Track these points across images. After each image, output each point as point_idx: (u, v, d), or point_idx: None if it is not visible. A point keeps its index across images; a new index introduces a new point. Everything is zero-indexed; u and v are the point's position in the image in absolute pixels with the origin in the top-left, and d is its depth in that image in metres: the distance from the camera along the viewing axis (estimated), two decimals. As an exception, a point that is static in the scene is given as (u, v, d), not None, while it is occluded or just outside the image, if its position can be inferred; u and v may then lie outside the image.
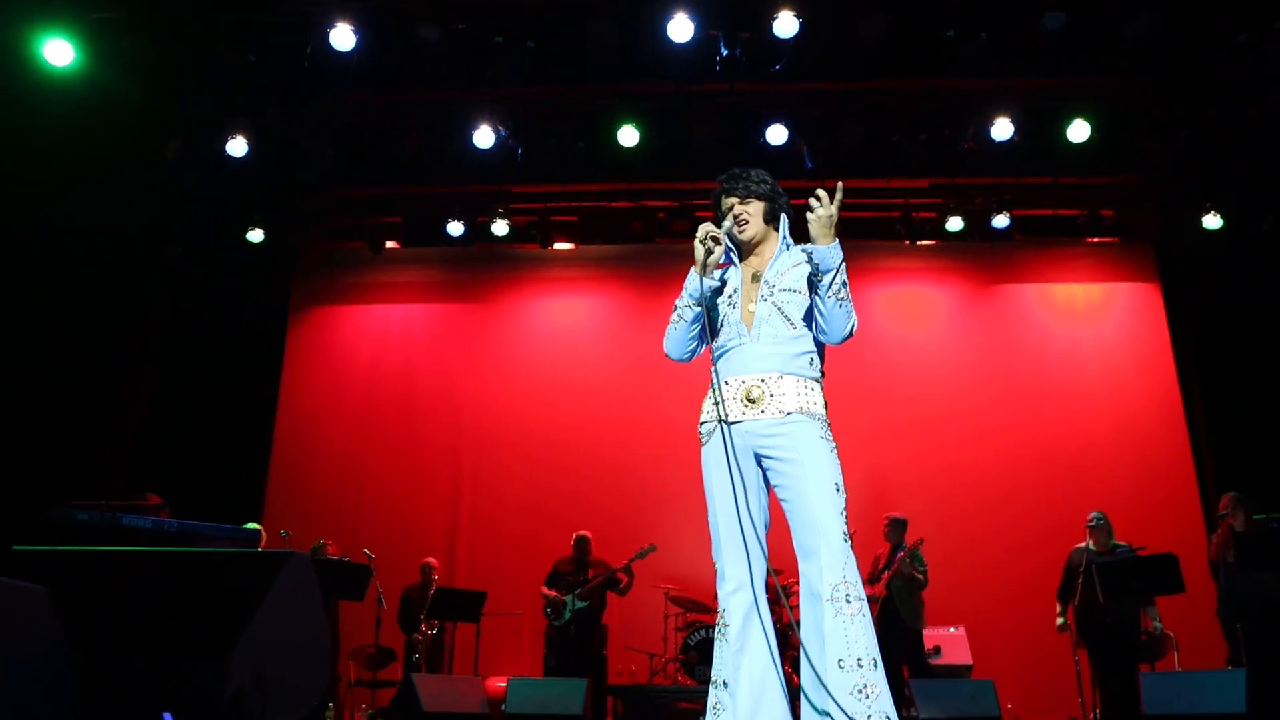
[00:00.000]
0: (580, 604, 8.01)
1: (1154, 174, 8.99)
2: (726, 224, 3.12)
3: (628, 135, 8.26)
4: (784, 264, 3.12)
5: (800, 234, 3.15)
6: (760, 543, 3.05)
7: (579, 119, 8.50)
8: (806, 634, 2.92)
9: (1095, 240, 9.97)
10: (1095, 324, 10.17)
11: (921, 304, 10.51)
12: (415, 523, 9.71)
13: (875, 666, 2.78)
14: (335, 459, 10.05)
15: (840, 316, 3.01)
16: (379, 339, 10.52)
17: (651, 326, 11.00)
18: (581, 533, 8.36)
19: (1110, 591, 6.80)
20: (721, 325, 3.10)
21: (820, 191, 3.00)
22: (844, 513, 2.91)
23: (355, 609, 7.83)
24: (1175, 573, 6.57)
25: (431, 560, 8.50)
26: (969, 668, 8.00)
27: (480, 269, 10.52)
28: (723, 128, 8.37)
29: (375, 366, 10.35)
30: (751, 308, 3.08)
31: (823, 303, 3.01)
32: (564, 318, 10.65)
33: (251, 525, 7.18)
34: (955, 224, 9.25)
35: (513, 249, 10.16)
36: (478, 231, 9.47)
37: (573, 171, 8.92)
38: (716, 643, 3.05)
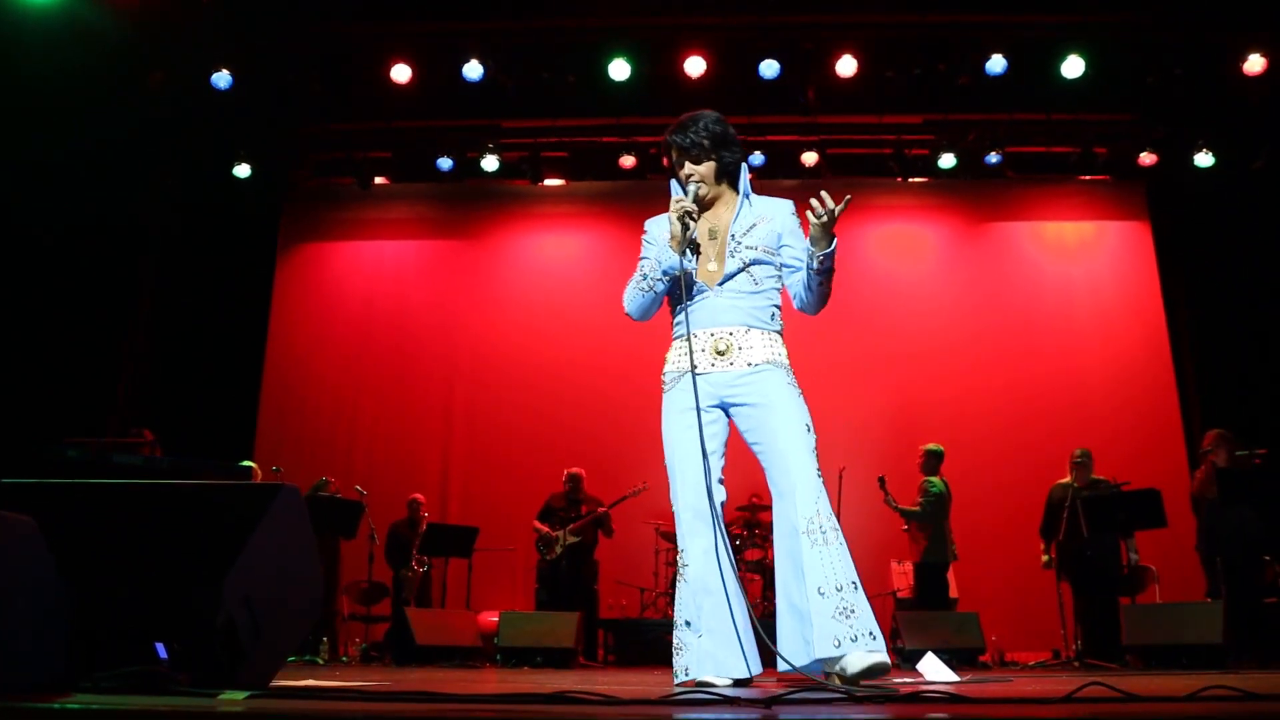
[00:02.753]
0: (572, 539, 8.09)
1: (1147, 111, 8.92)
2: (691, 190, 3.11)
3: (619, 69, 8.14)
4: (746, 220, 3.16)
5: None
6: (720, 486, 3.17)
7: (569, 52, 8.36)
8: (782, 567, 3.04)
9: (1087, 178, 9.92)
10: (1086, 262, 10.18)
11: (913, 241, 10.50)
12: (408, 459, 9.77)
13: (856, 589, 2.91)
14: (327, 396, 10.07)
15: (823, 296, 3.17)
16: (370, 275, 10.46)
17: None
18: (574, 469, 8.42)
19: (1095, 525, 6.91)
20: (689, 282, 3.13)
21: (823, 193, 3.01)
22: (815, 451, 3.04)
23: (348, 545, 7.91)
24: (1158, 508, 6.67)
25: (419, 496, 8.56)
26: (954, 601, 8.14)
27: (471, 205, 10.44)
28: (714, 61, 8.25)
29: (366, 303, 10.31)
30: (712, 266, 3.14)
31: (808, 289, 3.15)
32: (556, 254, 10.60)
33: (246, 463, 7.23)
34: (948, 161, 9.19)
35: (503, 185, 10.08)
36: (468, 167, 9.37)
37: (563, 106, 8.82)
38: (678, 584, 3.13)
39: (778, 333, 3.19)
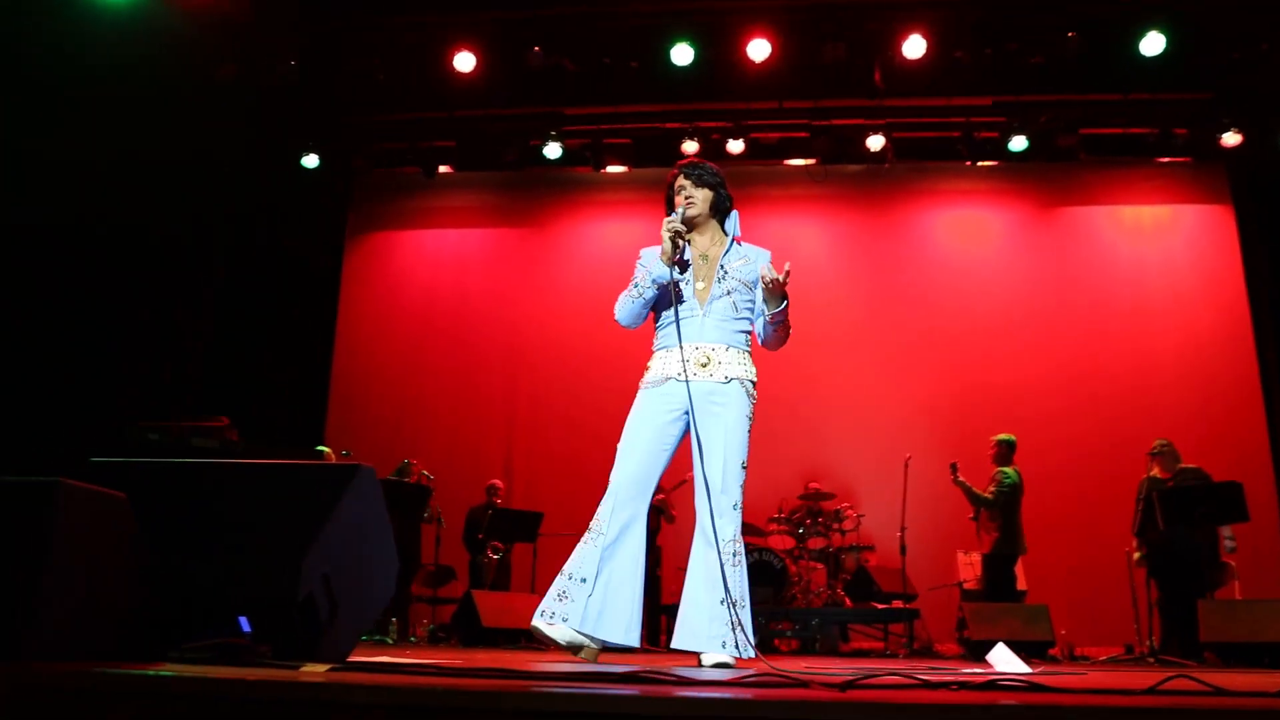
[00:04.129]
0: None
1: (1230, 90, 8.60)
2: (680, 209, 3.53)
3: (681, 54, 8.10)
4: (734, 257, 3.58)
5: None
6: (658, 479, 3.61)
7: (631, 38, 8.34)
8: (695, 569, 3.40)
9: (1166, 160, 9.61)
10: (1164, 247, 9.88)
11: (981, 226, 10.30)
12: (472, 445, 9.89)
13: (744, 606, 3.32)
14: (393, 382, 10.23)
15: (780, 340, 3.56)
16: (434, 264, 10.59)
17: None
18: (635, 456, 8.42)
19: (1171, 518, 6.71)
20: (679, 295, 3.51)
21: (768, 266, 3.45)
22: (741, 484, 3.43)
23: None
24: (1239, 501, 6.46)
25: (497, 482, 8.65)
26: (1023, 593, 7.99)
27: (533, 193, 10.50)
28: (778, 45, 8.17)
29: (431, 291, 10.45)
30: (700, 285, 3.53)
31: (764, 333, 3.58)
32: (617, 241, 10.59)
33: (321, 448, 7.39)
34: (1019, 144, 8.98)
35: (565, 172, 10.11)
36: (530, 155, 9.42)
37: (625, 93, 8.81)
38: (581, 544, 3.49)
39: (749, 353, 3.57)
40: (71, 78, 7.62)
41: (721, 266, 3.53)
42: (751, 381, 3.53)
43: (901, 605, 8.06)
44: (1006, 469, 7.55)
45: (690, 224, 3.56)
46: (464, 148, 9.54)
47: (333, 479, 2.28)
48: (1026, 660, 3.84)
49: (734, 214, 3.67)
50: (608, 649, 3.48)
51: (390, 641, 6.93)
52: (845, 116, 9.16)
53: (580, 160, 9.65)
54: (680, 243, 3.46)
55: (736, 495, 3.41)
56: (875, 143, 9.12)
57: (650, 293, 3.53)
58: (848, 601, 8.14)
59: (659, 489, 8.17)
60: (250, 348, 9.58)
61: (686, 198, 3.56)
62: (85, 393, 8.03)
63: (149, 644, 2.10)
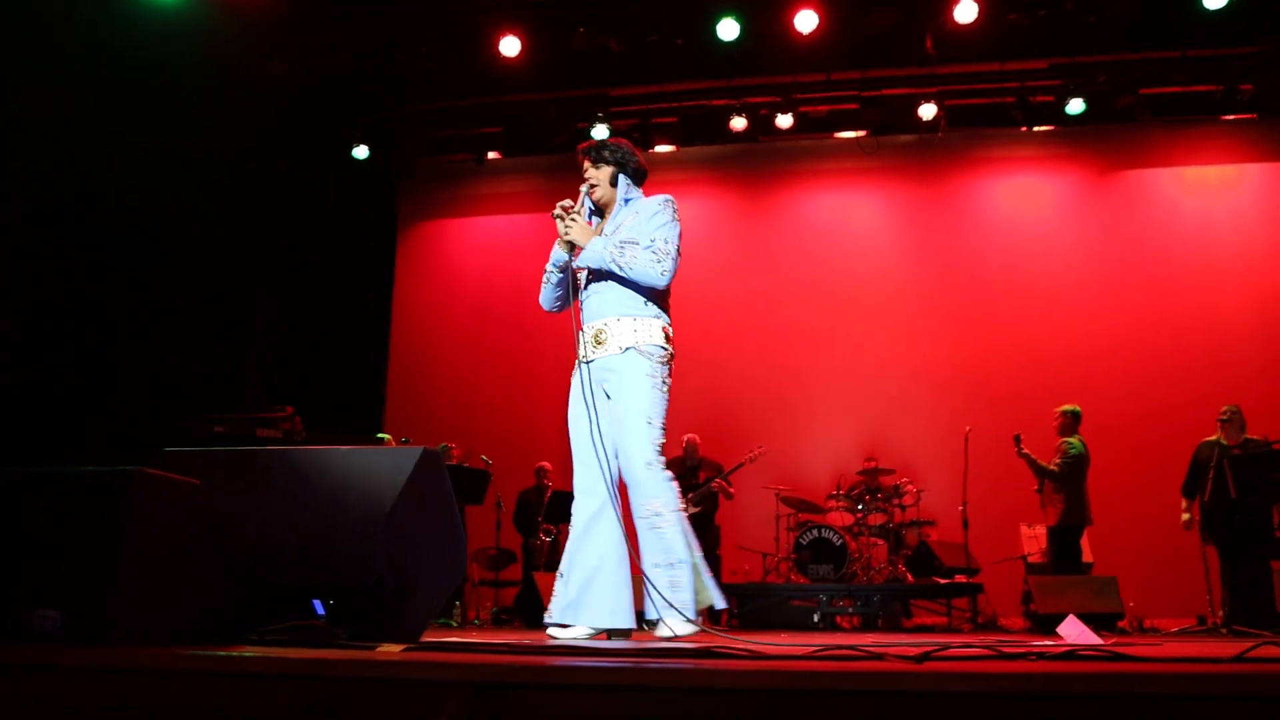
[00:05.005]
0: (693, 509, 8.10)
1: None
2: (583, 189, 3.59)
3: (727, 29, 8.01)
4: (620, 219, 3.56)
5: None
6: (612, 458, 3.49)
7: (677, 15, 8.27)
8: (640, 539, 3.41)
9: (1231, 118, 9.30)
10: (1230, 206, 9.58)
11: (1038, 193, 10.08)
12: (529, 428, 9.94)
13: (681, 565, 3.31)
14: (449, 368, 10.33)
15: (637, 276, 3.42)
16: (486, 250, 10.65)
17: (753, 227, 10.95)
18: (689, 436, 8.42)
19: (1244, 486, 6.53)
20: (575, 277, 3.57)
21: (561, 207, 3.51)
22: (654, 443, 3.36)
23: (476, 512, 8.10)
24: (1316, 466, 6.27)
25: (545, 464, 8.70)
26: (1089, 566, 7.85)
27: (581, 176, 10.48)
28: (826, 15, 8.03)
29: (484, 277, 10.51)
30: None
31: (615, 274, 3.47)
32: (666, 221, 10.58)
33: (381, 435, 7.50)
34: (1076, 106, 8.75)
35: (614, 154, 10.07)
36: (578, 138, 9.39)
37: (672, 71, 8.74)
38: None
39: (652, 317, 3.48)
40: (126, 76, 7.77)
41: (606, 235, 3.54)
42: (655, 344, 3.46)
43: (964, 580, 7.97)
44: (1072, 439, 7.40)
45: (600, 205, 3.63)
46: (512, 133, 9.56)
47: (401, 462, 2.30)
48: (1096, 633, 3.77)
49: (622, 179, 3.63)
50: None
51: (454, 624, 7.02)
52: (896, 86, 9.00)
53: (628, 140, 9.60)
54: (562, 220, 3.50)
55: (647, 454, 3.36)
56: (927, 111, 8.96)
57: (555, 276, 3.59)
58: (909, 577, 8.06)
59: (718, 471, 8.18)
60: (309, 338, 9.73)
61: (589, 181, 3.62)
62: (151, 387, 8.22)
63: (227, 627, 2.14)
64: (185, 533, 1.99)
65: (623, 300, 3.48)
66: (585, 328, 3.52)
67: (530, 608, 7.19)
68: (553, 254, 3.59)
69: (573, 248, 3.53)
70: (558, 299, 3.67)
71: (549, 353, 10.21)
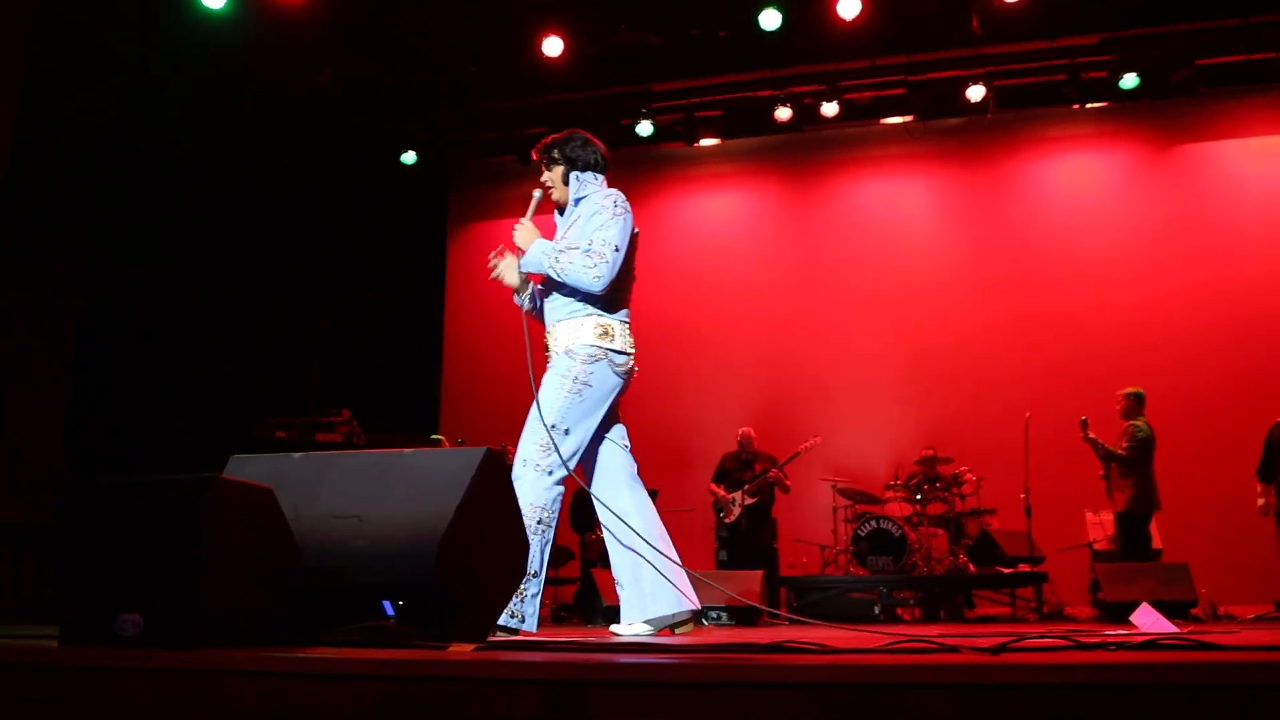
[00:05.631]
0: (749, 500, 8.08)
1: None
2: (536, 194, 3.57)
3: (769, 19, 7.95)
4: (568, 220, 3.54)
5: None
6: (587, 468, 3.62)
7: (718, 7, 8.23)
8: None
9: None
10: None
11: (1093, 172, 9.87)
12: (582, 426, 9.97)
13: (532, 579, 3.23)
14: (501, 369, 10.37)
15: (573, 282, 3.38)
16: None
17: (802, 218, 10.87)
18: (744, 430, 8.39)
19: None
20: None
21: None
22: (545, 444, 3.36)
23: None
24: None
25: (602, 462, 8.71)
26: (1158, 552, 7.67)
27: (626, 172, 10.40)
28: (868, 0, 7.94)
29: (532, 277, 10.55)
30: None
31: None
32: (714, 214, 10.55)
33: (436, 436, 7.57)
34: (1130, 81, 8.54)
35: (658, 149, 10.08)
36: (622, 134, 9.41)
37: (714, 64, 8.71)
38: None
39: (588, 316, 3.44)
40: (181, 93, 7.94)
41: (555, 243, 3.49)
42: (584, 344, 3.43)
43: (1028, 569, 7.83)
44: (1138, 422, 7.24)
45: (560, 206, 3.61)
46: (556, 132, 9.58)
47: (465, 463, 2.31)
48: (1170, 621, 3.68)
49: (573, 177, 3.56)
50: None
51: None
52: (942, 69, 8.86)
53: (672, 136, 9.61)
54: (494, 264, 3.59)
55: (527, 450, 3.37)
56: (975, 93, 8.81)
57: (526, 305, 3.67)
58: (971, 567, 7.95)
59: (773, 464, 8.14)
60: (364, 344, 9.86)
61: (545, 184, 3.59)
62: (214, 394, 8.40)
63: (301, 629, 2.18)
64: (259, 537, 2.03)
65: (561, 304, 3.49)
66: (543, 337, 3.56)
67: (588, 604, 7.22)
68: (515, 298, 3.70)
69: (520, 279, 3.58)
70: (531, 310, 3.73)
71: (600, 350, 10.26)
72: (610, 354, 3.43)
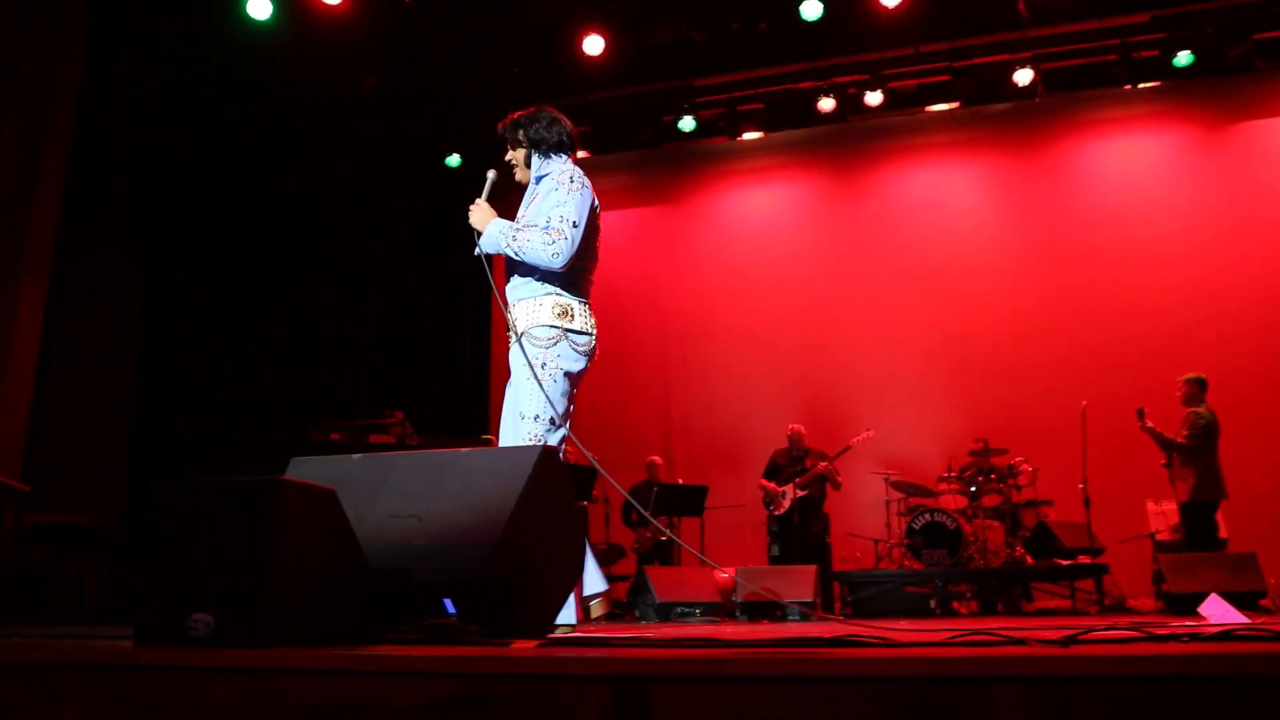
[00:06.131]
0: (800, 493, 8.03)
1: None
2: (485, 187, 3.51)
3: (810, 9, 7.89)
4: (529, 198, 3.47)
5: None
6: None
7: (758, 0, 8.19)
8: None
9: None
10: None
11: (1146, 154, 9.65)
12: (631, 425, 10.00)
13: None
14: (549, 368, 10.45)
15: (531, 259, 3.29)
16: (579, 249, 10.72)
17: (847, 209, 10.77)
18: (794, 427, 8.35)
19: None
20: None
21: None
22: (532, 436, 3.24)
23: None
24: None
25: (656, 459, 8.72)
26: (1224, 542, 7.48)
27: (670, 169, 10.49)
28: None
29: (577, 276, 10.58)
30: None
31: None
32: (758, 208, 10.50)
33: (487, 437, 7.61)
34: (1184, 59, 8.34)
35: (701, 145, 10.05)
36: (665, 131, 9.40)
37: (755, 56, 8.66)
38: None
39: (547, 295, 3.35)
40: (227, 96, 8.09)
41: (516, 221, 3.44)
42: (543, 324, 3.34)
43: (1088, 560, 7.69)
44: (1199, 409, 7.07)
45: (524, 186, 3.56)
46: (599, 130, 9.61)
47: (521, 461, 2.33)
48: (1239, 612, 3.59)
49: (535, 158, 3.50)
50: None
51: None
52: (988, 54, 8.72)
53: (715, 131, 9.57)
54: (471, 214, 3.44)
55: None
56: (1023, 77, 8.65)
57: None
58: (1029, 559, 7.83)
59: (822, 457, 8.08)
60: (413, 346, 9.96)
61: (510, 163, 3.55)
62: (267, 400, 8.55)
63: (364, 628, 2.20)
64: (322, 537, 2.06)
65: (520, 283, 3.40)
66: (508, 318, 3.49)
67: (641, 600, 7.23)
68: None
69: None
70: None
71: (649, 348, 10.26)
72: (569, 334, 3.33)
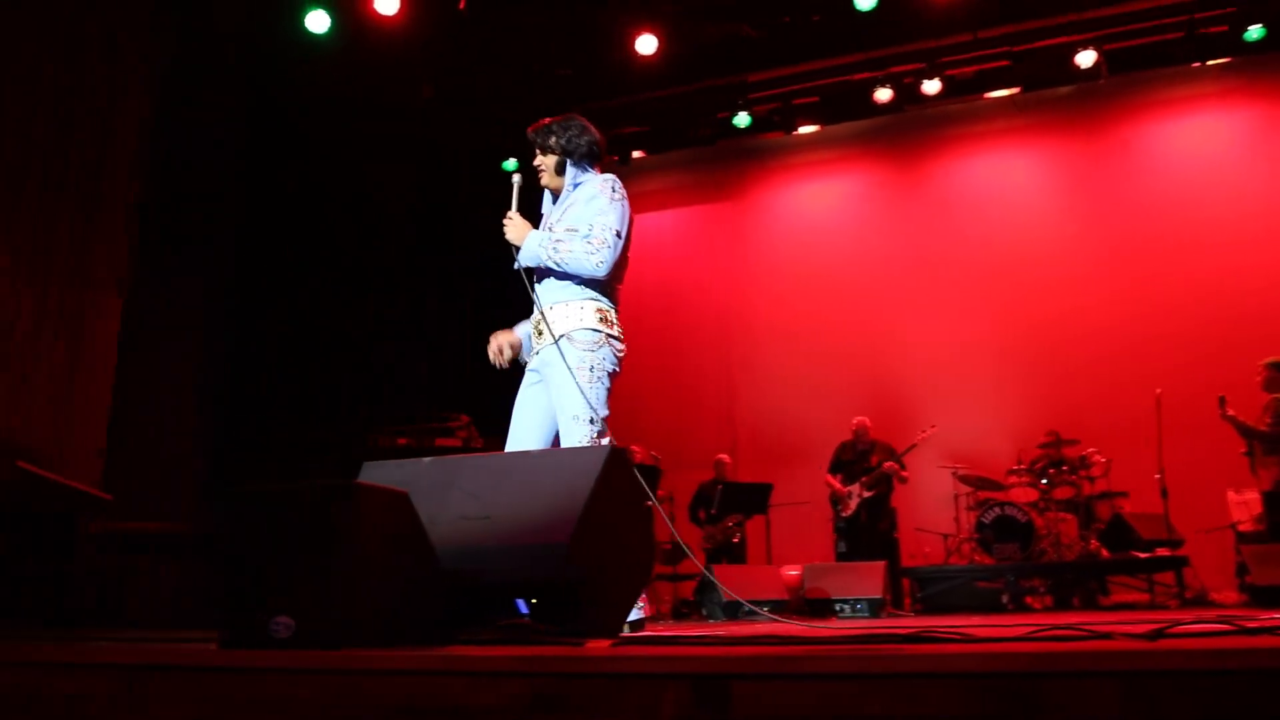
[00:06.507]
0: (867, 493, 7.94)
1: None
2: (516, 180, 3.52)
3: (864, -1, 7.80)
4: (564, 205, 3.46)
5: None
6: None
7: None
8: None
9: None
10: None
11: (1216, 133, 9.35)
12: (694, 422, 9.99)
13: None
14: (610, 368, 10.49)
15: (574, 269, 3.32)
16: (636, 249, 10.64)
17: (907, 200, 10.63)
18: (860, 420, 8.25)
19: None
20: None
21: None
22: (590, 438, 3.18)
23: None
24: None
25: (724, 457, 8.68)
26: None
27: (726, 166, 10.46)
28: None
29: (637, 277, 10.53)
30: None
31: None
32: (817, 203, 10.41)
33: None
34: (1255, 32, 8.06)
35: (756, 140, 10.00)
36: (720, 128, 9.37)
37: (809, 49, 8.59)
38: None
39: (589, 299, 3.38)
40: (294, 105, 8.26)
41: (548, 225, 3.47)
42: (587, 328, 3.34)
43: (1167, 553, 7.48)
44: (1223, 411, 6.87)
45: (552, 191, 3.57)
46: (654, 129, 9.61)
47: (589, 461, 2.33)
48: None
49: (569, 166, 3.49)
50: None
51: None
52: (1048, 37, 8.53)
53: (770, 126, 9.51)
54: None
55: None
56: (1086, 59, 8.44)
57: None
58: (1104, 552, 7.64)
59: (890, 454, 7.98)
60: (471, 350, 10.04)
61: (537, 166, 3.54)
62: (333, 406, 8.70)
63: (439, 628, 2.23)
64: (396, 540, 2.09)
65: (557, 288, 3.40)
66: (531, 319, 3.50)
67: (709, 599, 7.21)
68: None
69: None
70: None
71: (710, 346, 10.24)
72: (610, 339, 3.38)
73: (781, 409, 9.80)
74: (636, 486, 2.51)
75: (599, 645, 1.87)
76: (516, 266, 3.43)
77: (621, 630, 2.45)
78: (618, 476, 2.40)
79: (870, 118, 9.49)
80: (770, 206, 10.43)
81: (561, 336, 3.30)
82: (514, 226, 3.41)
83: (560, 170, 3.49)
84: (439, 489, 2.55)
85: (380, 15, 7.83)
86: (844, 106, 9.30)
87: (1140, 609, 7.14)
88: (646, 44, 8.35)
